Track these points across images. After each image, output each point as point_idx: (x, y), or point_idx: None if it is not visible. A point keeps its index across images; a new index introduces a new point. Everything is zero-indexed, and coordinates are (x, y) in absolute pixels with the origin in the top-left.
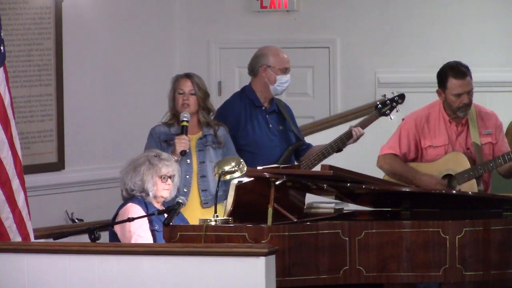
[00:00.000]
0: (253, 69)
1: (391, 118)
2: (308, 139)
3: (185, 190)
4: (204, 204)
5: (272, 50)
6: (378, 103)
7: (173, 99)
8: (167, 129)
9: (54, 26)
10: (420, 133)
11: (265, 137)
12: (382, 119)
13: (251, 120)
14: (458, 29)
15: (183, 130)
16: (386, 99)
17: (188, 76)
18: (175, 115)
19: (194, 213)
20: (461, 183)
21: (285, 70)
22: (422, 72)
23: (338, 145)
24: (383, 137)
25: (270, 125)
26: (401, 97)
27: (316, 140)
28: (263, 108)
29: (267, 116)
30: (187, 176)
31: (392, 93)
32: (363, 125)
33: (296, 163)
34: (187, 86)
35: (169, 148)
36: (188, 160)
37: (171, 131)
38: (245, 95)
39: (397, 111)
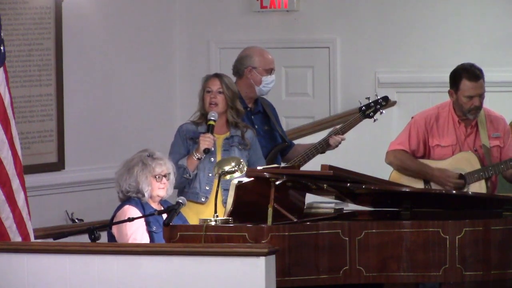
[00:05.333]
0: (238, 70)
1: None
2: (308, 139)
3: (207, 188)
4: (225, 203)
5: (256, 51)
6: (362, 105)
7: (202, 99)
8: (195, 128)
9: (54, 26)
10: (429, 132)
11: None
12: (384, 122)
13: None
14: (458, 29)
15: (209, 129)
16: (370, 101)
17: (217, 75)
18: (203, 114)
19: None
20: (470, 183)
21: (270, 71)
22: (422, 72)
23: (323, 148)
24: (382, 137)
25: (256, 126)
26: (385, 99)
27: (316, 140)
28: (248, 109)
29: (252, 117)
30: (210, 174)
31: (376, 95)
32: (347, 127)
33: (282, 163)
34: (215, 85)
35: (194, 145)
36: (212, 159)
37: (199, 129)
38: None
39: (381, 113)
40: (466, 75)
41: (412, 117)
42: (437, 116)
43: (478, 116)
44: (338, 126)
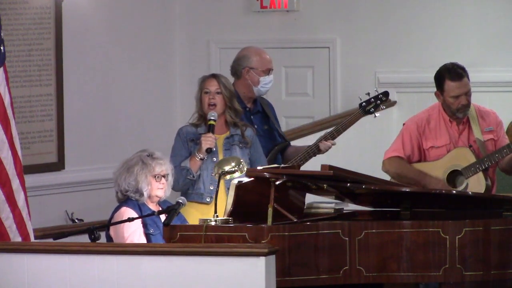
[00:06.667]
0: (236, 71)
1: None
2: (308, 139)
3: (211, 188)
4: None
5: (254, 51)
6: (362, 101)
7: (200, 100)
8: (194, 129)
9: (54, 26)
10: (422, 135)
11: None
12: (380, 122)
13: None
14: (458, 29)
15: (210, 129)
16: (370, 97)
17: (214, 76)
18: (202, 116)
19: (221, 210)
20: (468, 177)
21: (268, 71)
22: (422, 72)
23: (314, 152)
24: (382, 137)
25: (255, 126)
26: (385, 94)
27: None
28: (247, 109)
29: (251, 117)
30: (213, 174)
31: (376, 90)
32: (347, 124)
33: (282, 163)
34: (213, 85)
35: (195, 147)
36: (215, 159)
37: (198, 131)
38: None
39: (382, 108)
40: (448, 75)
41: (404, 123)
42: (428, 118)
43: (468, 113)
44: (329, 130)
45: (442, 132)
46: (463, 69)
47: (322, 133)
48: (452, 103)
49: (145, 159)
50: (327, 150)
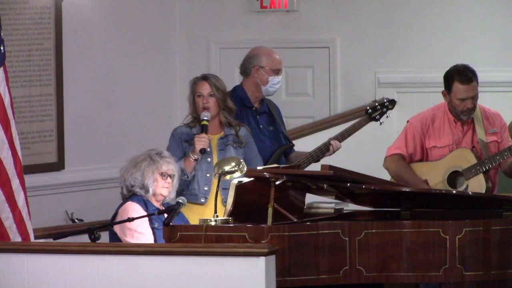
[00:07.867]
0: (245, 69)
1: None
2: (308, 139)
3: (205, 188)
4: (225, 202)
5: (264, 50)
6: (368, 107)
7: (193, 103)
8: (189, 130)
9: (54, 26)
10: (425, 134)
11: (255, 138)
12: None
13: (241, 121)
14: (458, 29)
15: (203, 129)
16: (376, 104)
17: (205, 78)
18: (196, 117)
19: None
20: (468, 178)
21: (277, 71)
22: (422, 72)
23: (318, 156)
24: (382, 137)
25: (261, 126)
26: (392, 102)
27: (316, 140)
28: (254, 108)
29: (257, 116)
30: (208, 175)
31: (383, 98)
32: (352, 130)
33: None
34: (205, 89)
35: (190, 147)
36: (209, 159)
37: (193, 131)
38: (236, 95)
39: (387, 116)
40: (458, 77)
41: (408, 121)
42: (432, 118)
43: (472, 116)
44: (333, 136)
45: (445, 132)
46: (473, 72)
47: (322, 133)
48: (458, 105)
49: (154, 156)
50: (334, 152)
